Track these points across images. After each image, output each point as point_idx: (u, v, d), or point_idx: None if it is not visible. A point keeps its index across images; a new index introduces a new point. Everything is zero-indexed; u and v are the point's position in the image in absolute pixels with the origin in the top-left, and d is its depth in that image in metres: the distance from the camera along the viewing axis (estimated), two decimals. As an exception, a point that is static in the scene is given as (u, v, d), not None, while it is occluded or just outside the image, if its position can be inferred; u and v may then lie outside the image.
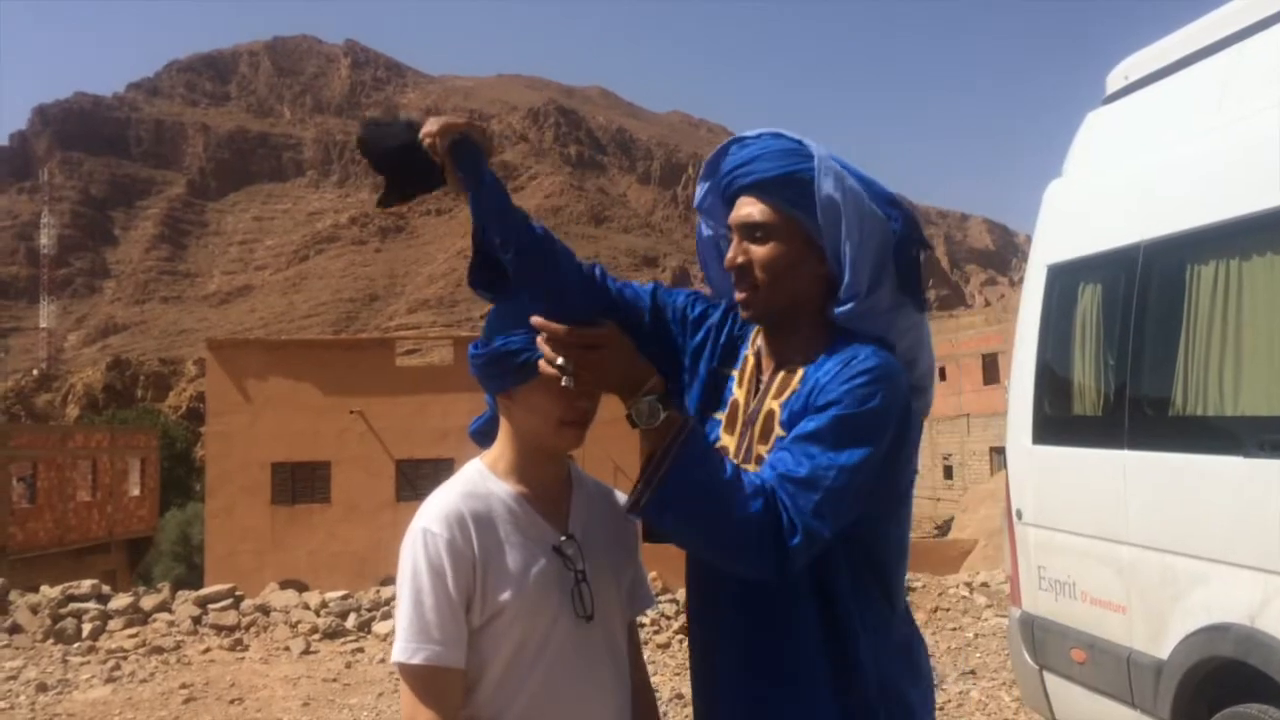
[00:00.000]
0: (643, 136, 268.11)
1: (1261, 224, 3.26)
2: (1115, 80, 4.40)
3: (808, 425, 1.58)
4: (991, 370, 45.67)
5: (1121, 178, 4.11)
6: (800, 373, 1.70)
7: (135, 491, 40.79)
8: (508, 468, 1.69)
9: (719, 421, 1.82)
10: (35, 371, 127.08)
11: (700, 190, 1.86)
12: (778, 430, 1.67)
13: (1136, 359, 3.83)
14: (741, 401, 1.80)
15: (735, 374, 1.83)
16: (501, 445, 1.71)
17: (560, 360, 1.56)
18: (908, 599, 1.89)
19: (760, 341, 1.82)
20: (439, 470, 24.97)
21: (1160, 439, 3.69)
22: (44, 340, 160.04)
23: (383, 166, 1.72)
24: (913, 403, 1.69)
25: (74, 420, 76.56)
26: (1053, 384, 4.44)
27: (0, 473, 32.22)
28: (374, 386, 27.09)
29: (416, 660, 1.54)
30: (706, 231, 1.88)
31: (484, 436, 1.76)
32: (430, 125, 1.66)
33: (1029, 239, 4.92)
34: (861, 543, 1.67)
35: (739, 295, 1.74)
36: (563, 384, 1.57)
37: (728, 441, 1.79)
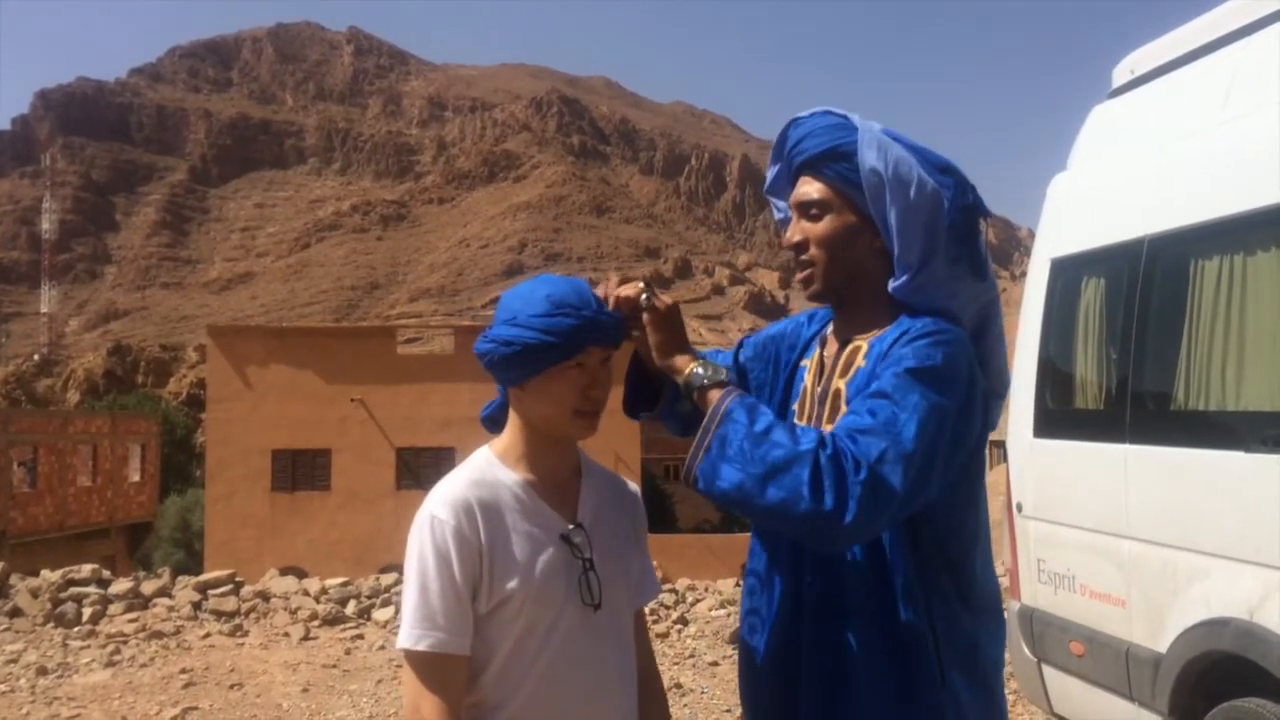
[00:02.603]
0: (646, 127, 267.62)
1: (1266, 219, 3.25)
2: (1121, 74, 4.38)
3: (872, 386, 1.59)
4: (992, 364, 45.66)
5: (1126, 172, 4.10)
6: (864, 348, 1.72)
7: (135, 477, 40.83)
8: (517, 456, 1.68)
9: (794, 411, 1.84)
10: (36, 356, 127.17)
11: (770, 173, 1.90)
12: (844, 409, 1.66)
13: (1139, 353, 3.83)
14: (809, 386, 1.83)
15: (807, 363, 1.87)
16: (511, 434, 1.70)
17: (644, 297, 1.68)
18: (993, 592, 1.78)
19: (830, 329, 1.85)
20: (440, 459, 25.02)
21: (1162, 433, 3.69)
22: (45, 325, 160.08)
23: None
24: (982, 379, 1.67)
25: (75, 405, 76.60)
26: (1055, 377, 4.44)
27: (1, 457, 32.25)
28: (375, 375, 27.12)
29: (421, 647, 1.54)
30: (778, 215, 1.90)
31: (495, 423, 1.75)
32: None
33: (1031, 233, 4.91)
34: (931, 526, 1.64)
35: (800, 274, 1.78)
36: (644, 302, 1.68)
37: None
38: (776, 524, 1.59)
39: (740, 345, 2.03)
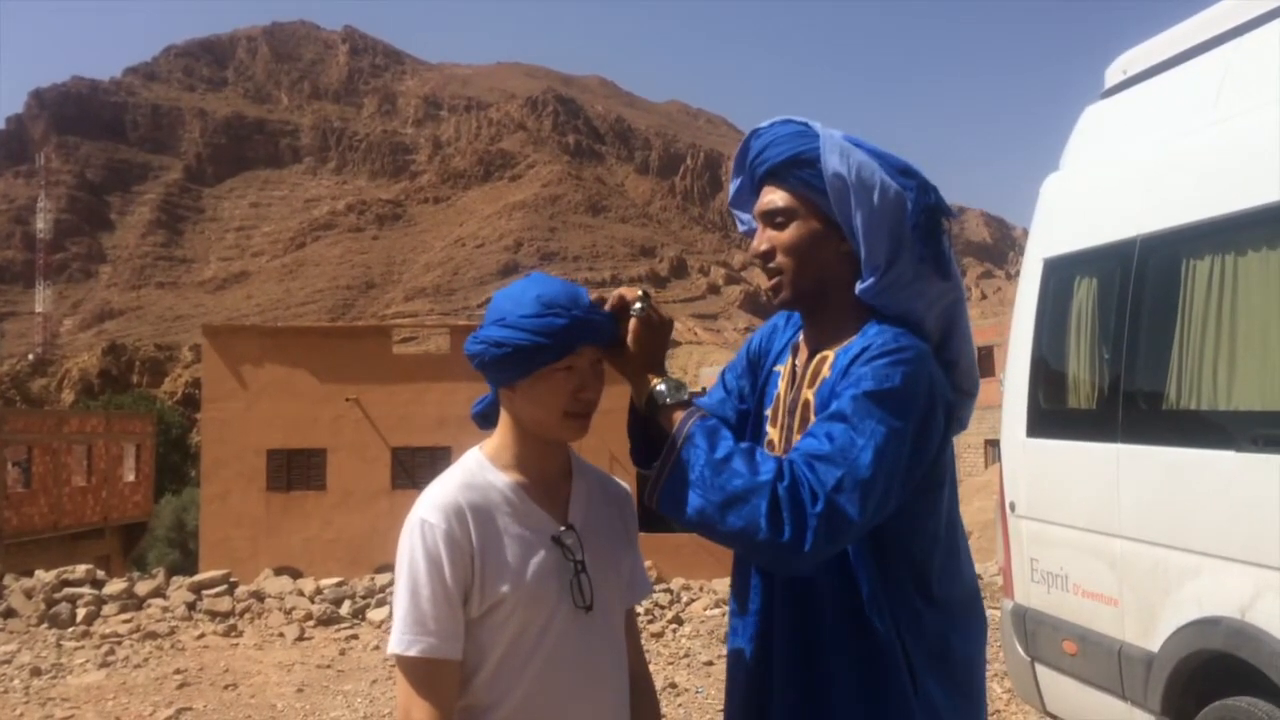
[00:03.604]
0: (641, 126, 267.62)
1: (1257, 219, 3.26)
2: (1114, 74, 4.40)
3: (831, 408, 1.60)
4: (987, 363, 45.49)
5: (1119, 172, 4.11)
6: (831, 358, 1.72)
7: (130, 477, 40.69)
8: (508, 458, 1.67)
9: (768, 417, 1.85)
10: (31, 356, 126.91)
11: (733, 186, 1.90)
12: (813, 419, 1.67)
13: (1131, 353, 3.84)
14: (782, 393, 1.83)
15: (780, 369, 1.88)
16: (501, 435, 1.69)
17: (638, 305, 1.66)
18: (965, 590, 1.79)
19: (801, 336, 1.86)
20: (435, 458, 24.98)
21: (1154, 433, 3.69)
22: (40, 325, 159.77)
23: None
24: (944, 391, 1.68)
25: (69, 405, 76.44)
26: (1047, 377, 4.45)
27: (-5, 457, 32.15)
28: (370, 374, 27.05)
29: (412, 652, 1.54)
30: (742, 227, 1.90)
31: (486, 419, 1.74)
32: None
33: (1026, 233, 4.92)
34: (894, 534, 1.66)
35: (768, 282, 1.78)
36: (635, 310, 1.66)
37: (773, 434, 1.81)
38: (738, 548, 1.63)
39: (724, 373, 2.04)
